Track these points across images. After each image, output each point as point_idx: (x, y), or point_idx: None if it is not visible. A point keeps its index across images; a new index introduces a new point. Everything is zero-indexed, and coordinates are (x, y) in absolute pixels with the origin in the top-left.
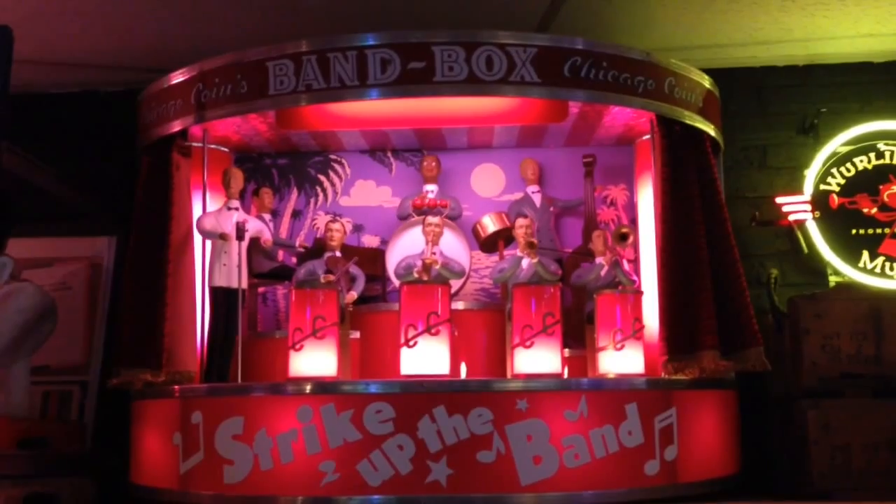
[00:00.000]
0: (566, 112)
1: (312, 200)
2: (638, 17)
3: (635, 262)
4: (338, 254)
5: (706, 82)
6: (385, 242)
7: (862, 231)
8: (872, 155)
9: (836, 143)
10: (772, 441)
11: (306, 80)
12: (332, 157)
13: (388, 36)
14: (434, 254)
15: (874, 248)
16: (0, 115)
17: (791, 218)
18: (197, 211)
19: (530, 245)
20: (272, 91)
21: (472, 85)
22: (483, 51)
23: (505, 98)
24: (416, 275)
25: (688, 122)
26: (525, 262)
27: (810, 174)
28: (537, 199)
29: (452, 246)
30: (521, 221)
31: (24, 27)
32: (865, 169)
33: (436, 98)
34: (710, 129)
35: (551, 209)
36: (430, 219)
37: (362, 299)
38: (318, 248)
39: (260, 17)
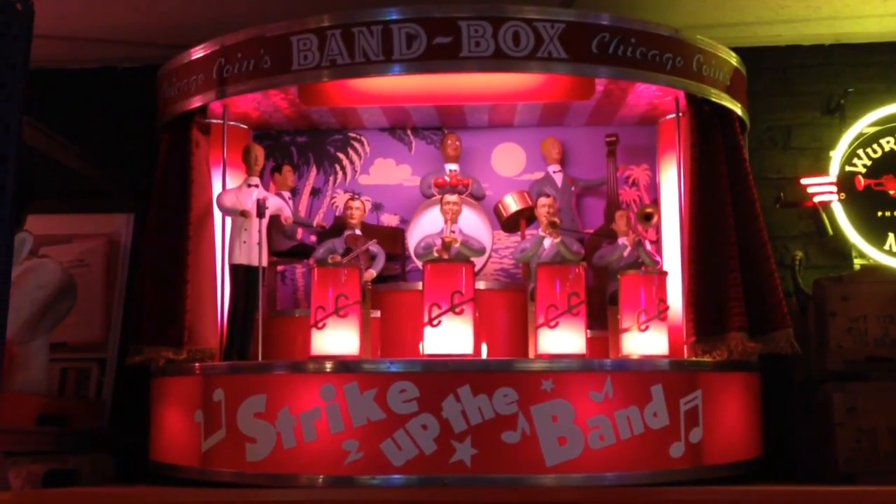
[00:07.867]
0: (592, 89)
1: (331, 178)
2: None
3: (657, 242)
4: (358, 232)
5: (733, 60)
6: (405, 221)
7: (888, 213)
8: None
9: (863, 124)
10: (794, 424)
11: (330, 56)
12: (352, 134)
13: (413, 10)
14: (453, 232)
15: None
16: (20, 90)
17: (816, 199)
18: (216, 188)
19: (552, 224)
20: (295, 66)
21: (499, 61)
22: (510, 26)
23: (530, 75)
24: (435, 254)
25: (715, 100)
26: (547, 242)
27: (836, 155)
28: (559, 178)
29: (475, 225)
30: (543, 201)
31: (43, 2)
32: (892, 150)
33: (460, 74)
34: (738, 108)
35: (573, 189)
36: (449, 197)
37: (381, 279)
38: (337, 226)
39: None
